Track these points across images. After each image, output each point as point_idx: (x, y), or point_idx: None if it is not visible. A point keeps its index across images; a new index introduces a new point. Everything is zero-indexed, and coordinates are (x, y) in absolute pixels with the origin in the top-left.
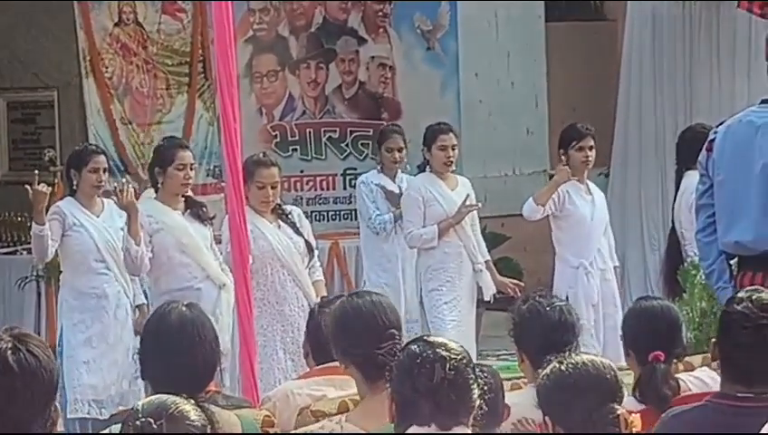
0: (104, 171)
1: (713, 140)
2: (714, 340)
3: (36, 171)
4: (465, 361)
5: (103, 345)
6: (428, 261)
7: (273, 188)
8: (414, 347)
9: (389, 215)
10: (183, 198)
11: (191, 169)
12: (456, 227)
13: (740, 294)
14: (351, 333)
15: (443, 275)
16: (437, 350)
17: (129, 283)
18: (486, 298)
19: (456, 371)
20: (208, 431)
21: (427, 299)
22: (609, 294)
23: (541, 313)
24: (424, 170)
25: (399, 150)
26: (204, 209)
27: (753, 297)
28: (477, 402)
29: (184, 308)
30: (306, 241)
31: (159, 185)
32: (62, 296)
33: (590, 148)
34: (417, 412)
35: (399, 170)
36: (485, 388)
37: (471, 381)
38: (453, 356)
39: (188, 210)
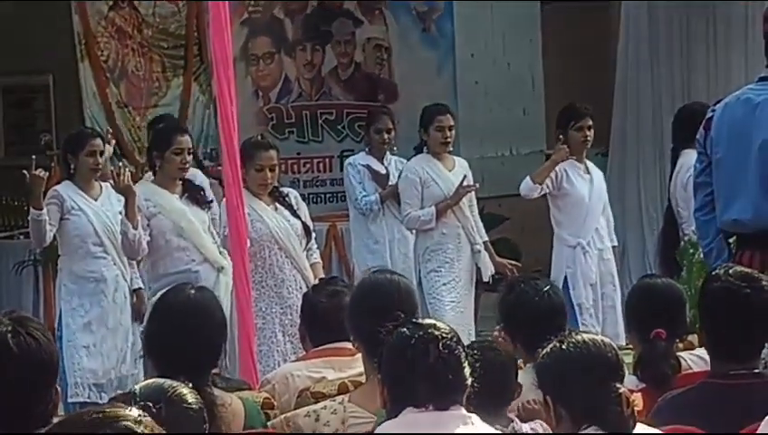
0: (101, 154)
1: (710, 118)
2: (698, 325)
3: (33, 156)
4: (455, 339)
5: (103, 329)
6: (426, 242)
7: (271, 170)
8: (404, 330)
9: (376, 196)
10: (181, 182)
11: (189, 154)
12: (454, 207)
13: (715, 272)
14: (362, 308)
15: (441, 256)
16: (429, 330)
17: (127, 266)
18: (485, 279)
19: (449, 349)
20: (205, 415)
21: (426, 280)
22: (608, 273)
23: (527, 303)
24: (421, 151)
25: (388, 131)
26: (202, 193)
27: (730, 271)
28: (469, 381)
29: (192, 292)
30: (303, 223)
31: (157, 168)
32: (61, 281)
33: (589, 127)
34: (412, 395)
35: (388, 152)
36: (477, 365)
37: (463, 360)
38: (444, 335)
39: (186, 194)
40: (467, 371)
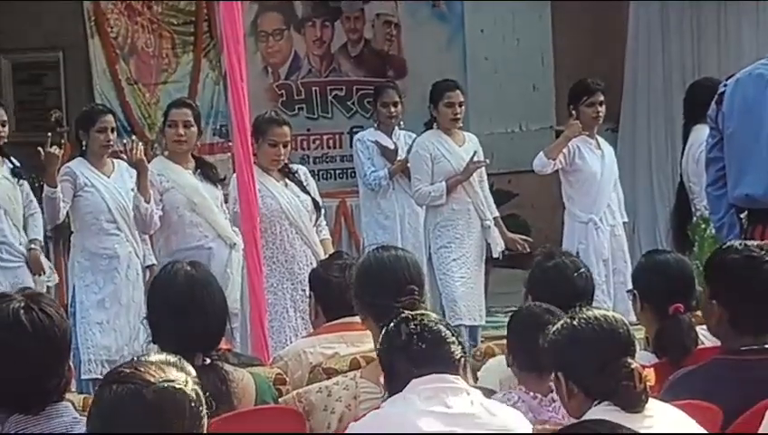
0: (112, 131)
1: (722, 94)
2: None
3: (49, 134)
4: (433, 319)
5: (116, 306)
6: (436, 218)
7: (284, 146)
8: (390, 324)
9: (384, 171)
10: (193, 158)
11: (184, 127)
12: (464, 183)
13: (728, 246)
14: (372, 284)
15: (451, 232)
16: (406, 318)
17: (140, 243)
18: (495, 255)
19: (422, 326)
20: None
21: (436, 256)
22: (619, 249)
23: (564, 278)
24: (431, 127)
25: (395, 105)
26: (214, 170)
27: (746, 243)
28: (459, 356)
29: (188, 268)
30: (313, 199)
31: (164, 145)
32: (74, 257)
33: (601, 103)
34: (398, 374)
35: (397, 127)
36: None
37: (444, 334)
38: (419, 317)
39: (199, 170)
40: (455, 347)
